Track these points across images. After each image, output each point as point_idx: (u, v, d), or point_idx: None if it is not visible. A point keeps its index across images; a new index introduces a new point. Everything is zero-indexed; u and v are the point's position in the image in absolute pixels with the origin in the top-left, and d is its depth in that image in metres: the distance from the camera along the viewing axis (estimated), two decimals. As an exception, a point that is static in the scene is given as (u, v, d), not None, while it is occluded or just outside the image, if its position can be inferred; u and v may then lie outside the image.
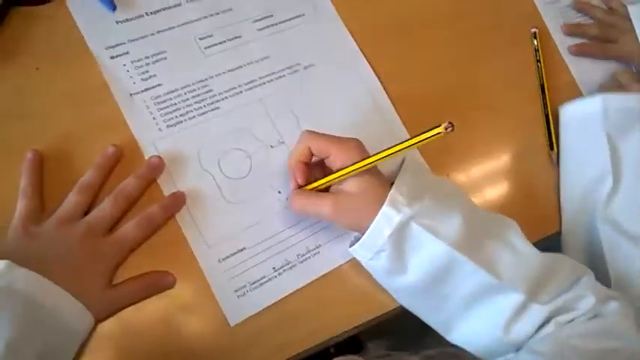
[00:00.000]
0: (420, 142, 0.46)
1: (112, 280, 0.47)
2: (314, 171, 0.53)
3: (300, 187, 0.52)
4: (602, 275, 0.56)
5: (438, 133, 0.44)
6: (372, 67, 0.62)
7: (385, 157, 0.48)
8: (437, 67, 0.64)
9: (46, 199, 0.48)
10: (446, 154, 0.61)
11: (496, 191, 0.62)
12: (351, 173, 0.49)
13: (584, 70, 0.70)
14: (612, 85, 0.68)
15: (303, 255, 0.53)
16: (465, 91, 0.65)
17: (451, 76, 0.65)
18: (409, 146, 0.47)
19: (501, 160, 0.64)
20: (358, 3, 0.64)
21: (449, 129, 0.44)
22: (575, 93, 0.69)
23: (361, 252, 0.51)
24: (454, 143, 0.61)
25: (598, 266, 0.57)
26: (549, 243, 0.62)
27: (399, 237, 0.49)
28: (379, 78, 0.61)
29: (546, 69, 0.68)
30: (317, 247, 0.53)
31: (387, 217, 0.48)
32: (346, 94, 0.60)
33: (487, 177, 0.62)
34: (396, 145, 0.47)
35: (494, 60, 0.67)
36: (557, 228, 0.62)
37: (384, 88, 0.61)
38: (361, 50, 0.62)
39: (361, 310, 0.53)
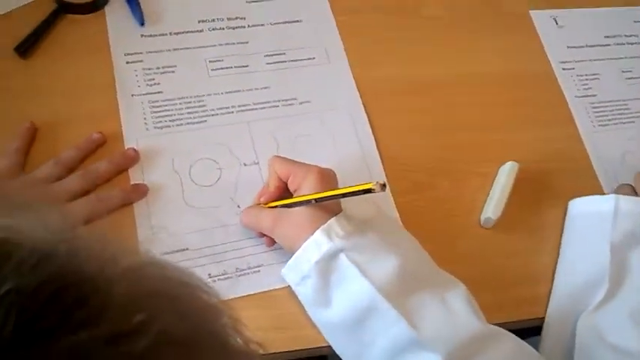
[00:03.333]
0: (351, 193, 0.47)
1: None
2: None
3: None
4: None
5: (369, 190, 0.45)
6: (369, 117, 0.63)
7: (316, 198, 0.49)
8: (436, 130, 0.64)
9: (29, 167, 0.54)
10: (431, 216, 0.60)
11: (487, 259, 0.59)
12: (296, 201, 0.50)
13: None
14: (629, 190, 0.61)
15: (242, 270, 0.53)
16: (460, 159, 0.63)
17: (448, 142, 0.64)
18: (340, 194, 0.48)
19: (494, 232, 0.60)
20: (372, 56, 0.67)
21: (377, 189, 0.45)
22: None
23: (289, 274, 0.50)
24: (442, 207, 0.60)
25: None
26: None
27: (326, 267, 0.48)
28: (373, 129, 0.62)
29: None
30: (258, 266, 0.53)
31: (317, 243, 0.48)
32: (334, 136, 0.61)
33: (478, 244, 0.59)
34: (330, 190, 0.49)
35: (500, 133, 0.65)
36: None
37: (376, 140, 0.62)
38: (362, 99, 0.64)
39: (285, 338, 0.51)
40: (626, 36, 0.76)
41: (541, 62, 0.71)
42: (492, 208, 0.59)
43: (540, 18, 0.73)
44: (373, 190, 0.45)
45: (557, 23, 0.73)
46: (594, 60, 0.72)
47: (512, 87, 0.69)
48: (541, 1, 0.75)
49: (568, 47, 0.72)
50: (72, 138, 0.56)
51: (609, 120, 0.69)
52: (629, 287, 0.54)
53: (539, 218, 0.61)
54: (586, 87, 0.70)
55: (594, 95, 0.70)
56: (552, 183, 0.64)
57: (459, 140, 0.64)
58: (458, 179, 0.62)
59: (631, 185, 0.61)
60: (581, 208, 0.60)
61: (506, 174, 0.61)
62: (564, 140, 0.66)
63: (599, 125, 0.68)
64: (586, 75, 0.71)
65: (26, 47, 0.58)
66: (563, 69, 0.71)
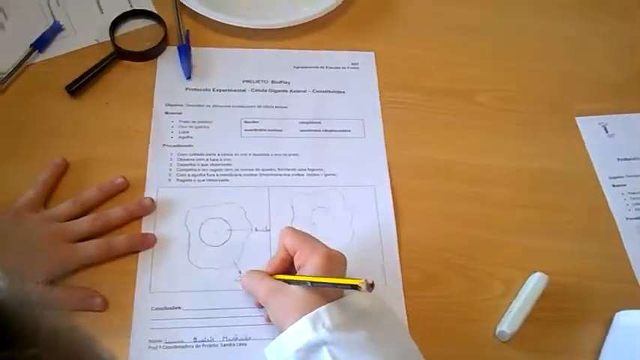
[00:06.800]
0: (340, 284, 0.46)
1: (54, 282, 0.52)
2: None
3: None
4: None
5: (356, 286, 0.43)
6: (394, 197, 0.61)
7: (312, 281, 0.47)
8: (462, 223, 0.61)
9: (54, 200, 0.57)
10: (441, 317, 0.56)
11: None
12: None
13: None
14: None
15: (229, 340, 0.52)
16: (483, 259, 0.59)
17: (473, 238, 0.60)
18: (331, 284, 0.47)
19: (507, 346, 0.55)
20: (411, 136, 0.66)
21: (363, 288, 0.43)
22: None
23: (270, 355, 0.48)
24: (454, 309, 0.56)
25: None
26: None
27: (307, 357, 0.45)
28: (396, 210, 0.60)
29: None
30: (246, 339, 0.52)
31: (301, 331, 0.46)
32: (354, 212, 0.59)
33: (486, 357, 0.55)
34: (330, 275, 0.47)
35: (533, 238, 0.61)
36: None
37: (396, 222, 0.59)
38: (391, 178, 0.62)
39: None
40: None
41: (587, 173, 0.66)
42: (509, 322, 0.54)
43: (588, 125, 0.68)
44: (359, 287, 0.43)
45: (607, 131, 0.68)
46: (650, 175, 0.66)
47: (553, 191, 0.64)
48: (591, 106, 0.70)
49: (618, 160, 0.66)
50: (99, 178, 0.58)
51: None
52: None
53: (561, 341, 0.55)
54: (639, 207, 0.63)
55: (649, 218, 0.63)
56: (586, 303, 0.58)
57: (486, 238, 0.60)
58: (477, 281, 0.58)
59: None
60: (626, 320, 0.55)
61: (532, 286, 0.56)
62: (607, 258, 0.60)
63: (655, 254, 0.61)
64: (639, 193, 0.64)
65: (76, 87, 0.62)
66: (613, 185, 0.65)
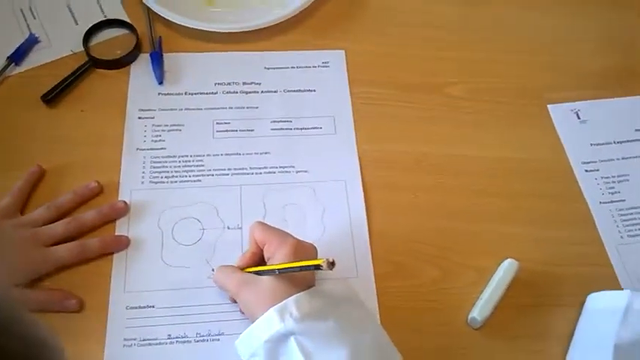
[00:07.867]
0: (304, 267, 0.47)
1: (28, 285, 0.53)
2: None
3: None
4: None
5: (319, 266, 0.45)
6: (366, 192, 0.62)
7: (279, 269, 0.48)
8: (434, 214, 0.61)
9: (31, 206, 0.58)
10: (414, 306, 0.56)
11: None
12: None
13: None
14: None
15: (203, 336, 0.53)
16: (455, 249, 0.59)
17: (445, 229, 0.60)
18: (297, 268, 0.48)
19: (480, 334, 0.55)
20: (382, 130, 0.67)
21: (324, 267, 0.44)
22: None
23: (240, 348, 0.49)
24: (427, 299, 0.57)
25: None
26: None
27: (275, 348, 0.46)
28: (367, 204, 0.61)
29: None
30: (219, 334, 0.53)
31: (269, 322, 0.47)
32: (325, 207, 0.60)
33: (459, 344, 0.55)
34: (282, 264, 0.49)
35: (506, 226, 0.61)
36: None
37: (367, 216, 0.60)
38: (362, 172, 0.63)
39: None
40: (661, 128, 0.68)
41: (559, 159, 0.66)
42: (480, 309, 0.55)
43: (559, 112, 0.69)
44: (322, 267, 0.44)
45: (579, 117, 0.68)
46: (623, 159, 0.66)
47: (525, 179, 0.64)
48: (563, 94, 0.70)
49: (591, 145, 0.67)
50: (75, 184, 0.59)
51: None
52: None
53: (534, 326, 0.56)
54: (612, 191, 0.64)
55: (622, 200, 0.63)
56: (559, 289, 0.58)
57: (458, 227, 0.61)
58: (448, 270, 0.58)
59: None
60: (595, 303, 0.56)
61: (502, 273, 0.57)
62: (581, 243, 0.61)
63: (629, 236, 0.61)
64: (612, 177, 0.64)
65: (52, 96, 0.63)
66: (586, 170, 0.65)
